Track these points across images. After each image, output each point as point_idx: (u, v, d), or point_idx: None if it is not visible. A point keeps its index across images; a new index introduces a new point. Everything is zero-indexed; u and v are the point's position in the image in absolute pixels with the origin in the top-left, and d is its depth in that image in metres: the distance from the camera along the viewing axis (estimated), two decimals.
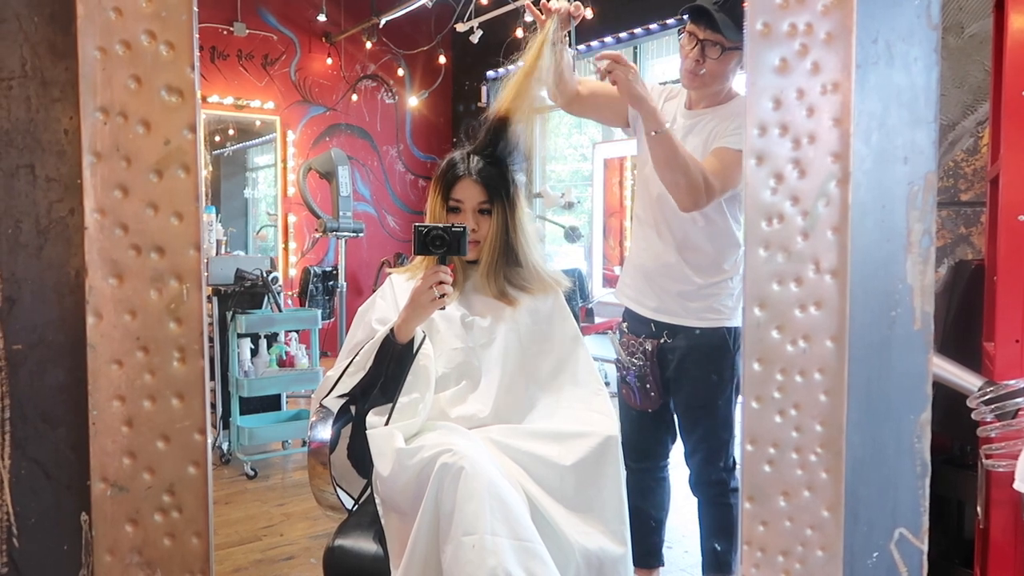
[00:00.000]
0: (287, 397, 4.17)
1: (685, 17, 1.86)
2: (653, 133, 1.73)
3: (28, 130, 0.56)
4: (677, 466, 2.19)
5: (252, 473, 3.62)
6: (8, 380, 0.56)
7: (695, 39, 1.82)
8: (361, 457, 1.61)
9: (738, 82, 1.98)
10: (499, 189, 1.66)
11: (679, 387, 1.99)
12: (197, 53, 0.57)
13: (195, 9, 0.57)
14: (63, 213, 0.57)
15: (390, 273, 1.81)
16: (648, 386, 2.00)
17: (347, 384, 1.60)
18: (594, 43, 6.07)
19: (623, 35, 5.82)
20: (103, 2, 0.55)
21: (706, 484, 2.04)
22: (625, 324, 2.08)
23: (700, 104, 1.93)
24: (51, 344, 0.57)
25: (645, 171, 2.00)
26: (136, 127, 0.56)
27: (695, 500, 2.14)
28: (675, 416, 2.09)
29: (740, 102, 1.90)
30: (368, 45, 6.81)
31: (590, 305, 5.54)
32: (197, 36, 0.57)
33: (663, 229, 1.94)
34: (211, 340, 3.71)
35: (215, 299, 3.77)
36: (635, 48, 6.23)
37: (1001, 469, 1.30)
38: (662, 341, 1.97)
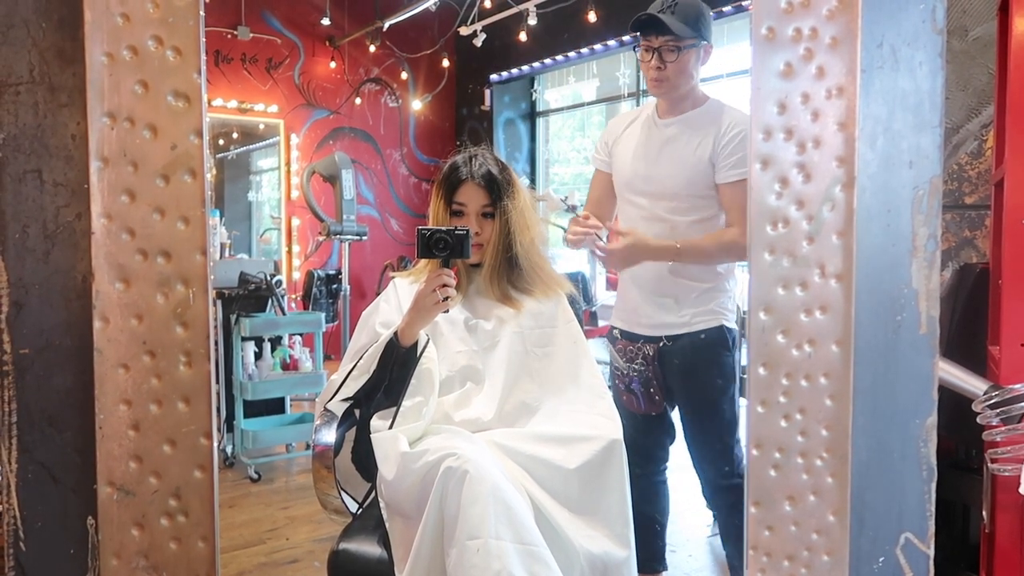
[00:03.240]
0: (291, 400, 4.17)
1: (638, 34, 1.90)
2: (676, 255, 1.85)
3: (36, 135, 0.56)
4: (675, 470, 2.19)
5: (256, 476, 3.62)
6: (15, 384, 0.56)
7: (651, 49, 1.88)
8: (365, 461, 1.61)
9: (715, 89, 2.00)
10: (502, 192, 1.67)
11: (681, 391, 1.99)
12: (204, 58, 0.57)
13: (202, 14, 0.57)
14: (70, 218, 0.57)
15: (393, 276, 1.81)
16: (652, 390, 1.99)
17: (351, 388, 1.60)
18: (597, 46, 6.07)
19: (626, 38, 5.83)
20: (111, 8, 0.55)
21: (726, 490, 2.00)
22: (617, 331, 2.06)
23: (671, 112, 1.95)
24: (58, 348, 0.57)
25: (629, 184, 1.99)
26: (143, 132, 0.56)
27: (698, 503, 2.13)
28: (677, 419, 2.07)
29: (712, 107, 1.92)
30: (372, 48, 6.83)
31: (593, 308, 5.53)
32: (204, 41, 0.57)
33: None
34: (215, 343, 3.71)
35: (219, 302, 3.77)
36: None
37: (1007, 473, 1.29)
38: (661, 344, 1.96)
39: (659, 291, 1.94)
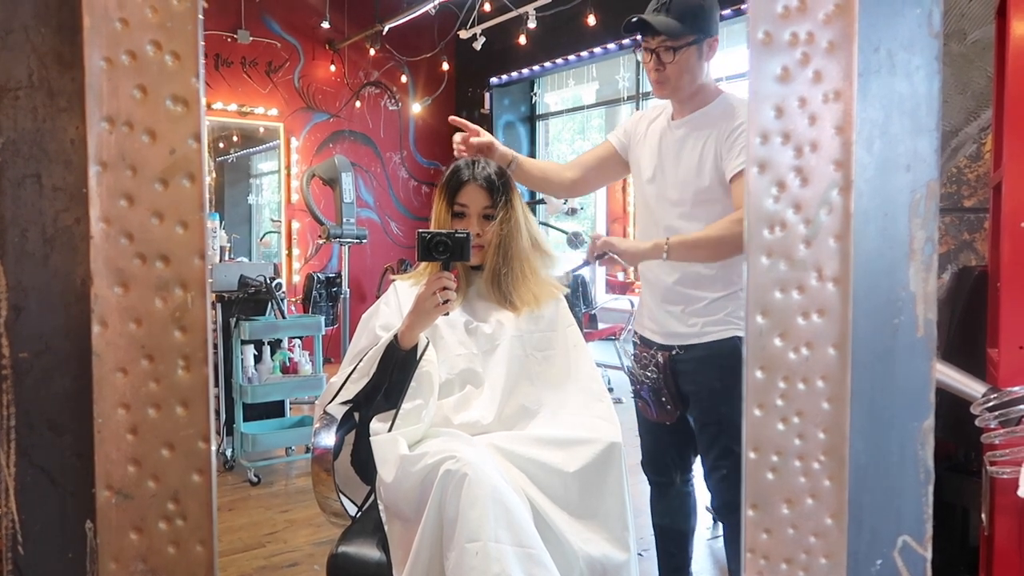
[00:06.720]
0: (290, 404, 4.17)
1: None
2: (664, 257, 1.73)
3: (34, 140, 0.56)
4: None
5: (255, 480, 3.62)
6: (14, 388, 0.56)
7: (649, 50, 1.80)
8: (365, 464, 1.61)
9: (734, 87, 1.94)
10: (504, 194, 1.67)
11: (695, 401, 1.91)
12: (203, 62, 0.57)
13: (201, 19, 0.57)
14: (69, 222, 0.57)
15: (393, 279, 1.82)
16: (664, 399, 1.92)
17: (351, 391, 1.60)
18: (596, 49, 6.08)
19: (626, 41, 5.83)
20: (109, 12, 0.55)
21: (736, 504, 1.93)
22: (637, 336, 2.00)
23: (681, 114, 1.86)
24: (57, 352, 0.57)
25: (644, 190, 1.92)
26: (141, 136, 0.57)
27: (698, 505, 2.11)
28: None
29: (721, 103, 1.81)
30: (371, 52, 6.84)
31: (593, 311, 5.53)
32: (203, 45, 0.57)
33: None
34: (215, 347, 3.72)
35: (219, 306, 3.77)
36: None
37: (1005, 476, 1.29)
38: (674, 352, 1.89)
39: (668, 299, 1.88)
